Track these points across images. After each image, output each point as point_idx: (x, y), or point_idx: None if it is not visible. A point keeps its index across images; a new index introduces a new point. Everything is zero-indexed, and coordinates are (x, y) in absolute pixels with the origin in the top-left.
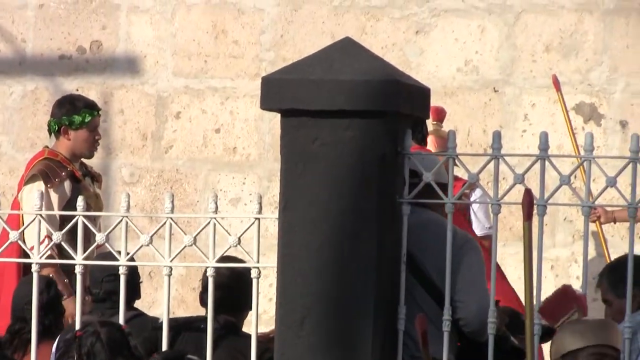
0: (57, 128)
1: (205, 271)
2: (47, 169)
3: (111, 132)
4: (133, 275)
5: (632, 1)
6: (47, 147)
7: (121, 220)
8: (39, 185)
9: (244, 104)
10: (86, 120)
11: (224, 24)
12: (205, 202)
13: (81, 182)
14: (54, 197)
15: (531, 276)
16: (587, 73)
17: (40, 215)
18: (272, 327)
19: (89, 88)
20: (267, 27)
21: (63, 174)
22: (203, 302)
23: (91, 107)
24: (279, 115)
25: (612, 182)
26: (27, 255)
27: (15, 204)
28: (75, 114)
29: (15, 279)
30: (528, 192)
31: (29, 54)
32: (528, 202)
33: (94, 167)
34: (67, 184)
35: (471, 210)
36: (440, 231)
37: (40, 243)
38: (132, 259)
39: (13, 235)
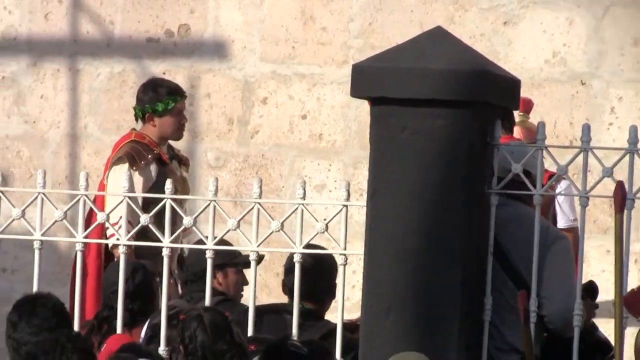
0: (142, 115)
1: (290, 257)
2: (133, 152)
3: (198, 115)
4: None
5: None
6: (134, 129)
7: (209, 204)
8: (125, 167)
9: (330, 91)
10: (169, 107)
11: (312, 10)
12: (291, 188)
13: (168, 165)
14: (139, 179)
15: (622, 269)
16: None
17: (127, 197)
18: (355, 314)
19: (176, 72)
20: (356, 14)
21: (149, 156)
22: (286, 288)
23: (174, 93)
24: (365, 102)
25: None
26: (106, 237)
27: (101, 186)
28: (158, 102)
29: (95, 260)
30: (620, 185)
31: (116, 36)
32: (621, 195)
33: (181, 151)
34: (153, 167)
35: (556, 202)
36: (532, 225)
37: (114, 225)
38: (220, 243)
39: (101, 216)
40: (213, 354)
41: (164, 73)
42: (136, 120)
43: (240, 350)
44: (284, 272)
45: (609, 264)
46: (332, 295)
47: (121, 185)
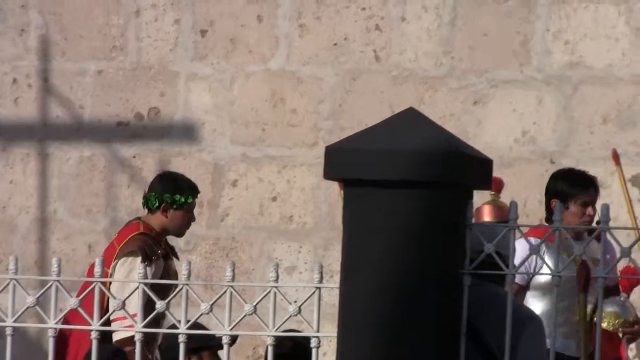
0: (157, 204)
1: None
2: (146, 247)
3: None
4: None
5: None
6: (139, 219)
7: (181, 288)
8: (137, 261)
9: (301, 173)
10: (188, 202)
11: (282, 92)
12: (261, 270)
13: (169, 260)
14: (149, 274)
15: (586, 346)
16: None
17: (143, 283)
18: None
19: (145, 155)
20: (326, 95)
21: (159, 252)
22: None
23: (194, 189)
24: (335, 184)
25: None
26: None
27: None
28: (178, 194)
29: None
30: (584, 264)
31: (86, 120)
32: (584, 274)
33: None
34: (158, 263)
35: None
36: (504, 306)
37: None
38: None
39: (115, 303)
40: None
41: (134, 156)
42: (145, 207)
43: None
44: (264, 357)
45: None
46: None
47: (133, 277)
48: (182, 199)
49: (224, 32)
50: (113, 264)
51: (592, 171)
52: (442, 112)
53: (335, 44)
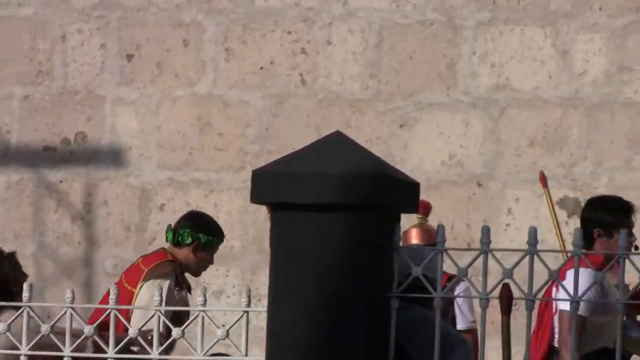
0: (190, 241)
1: None
2: (178, 274)
3: (95, 223)
4: None
5: (616, 96)
6: (164, 249)
7: (109, 311)
8: (165, 284)
9: (228, 197)
10: (215, 245)
11: (209, 116)
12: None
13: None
14: (176, 301)
15: None
16: (571, 167)
17: (160, 310)
18: None
19: (73, 180)
20: (252, 119)
21: (183, 284)
22: None
23: (223, 234)
24: (263, 207)
25: (599, 278)
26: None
27: (127, 293)
28: (212, 236)
29: None
30: (506, 287)
31: (13, 145)
32: (507, 297)
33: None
34: (181, 294)
35: (455, 304)
36: (432, 329)
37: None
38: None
39: (132, 331)
40: None
41: (61, 181)
42: (172, 241)
43: None
44: None
45: None
46: None
47: (154, 298)
48: (214, 242)
49: (150, 56)
50: (140, 284)
51: (518, 194)
52: (368, 136)
53: (261, 68)
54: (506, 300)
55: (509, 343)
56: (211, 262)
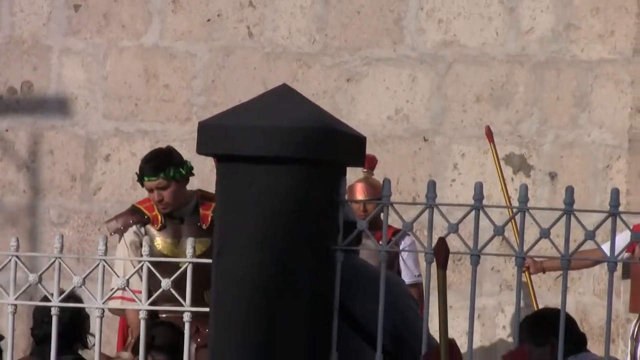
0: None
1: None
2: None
3: (40, 172)
4: (77, 318)
5: (563, 54)
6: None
7: (54, 261)
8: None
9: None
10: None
11: (155, 67)
12: None
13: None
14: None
15: (445, 325)
16: (517, 124)
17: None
18: None
19: (19, 129)
20: (199, 72)
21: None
22: None
23: None
24: (209, 159)
25: (545, 234)
26: None
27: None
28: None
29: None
30: (442, 241)
31: None
32: (443, 251)
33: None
34: None
35: (400, 258)
36: (370, 278)
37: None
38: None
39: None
40: None
41: (7, 130)
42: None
43: None
44: None
45: (451, 319)
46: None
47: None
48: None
49: (97, 7)
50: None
51: (465, 149)
52: (315, 90)
53: (208, 20)
54: (443, 254)
55: (445, 296)
56: None
